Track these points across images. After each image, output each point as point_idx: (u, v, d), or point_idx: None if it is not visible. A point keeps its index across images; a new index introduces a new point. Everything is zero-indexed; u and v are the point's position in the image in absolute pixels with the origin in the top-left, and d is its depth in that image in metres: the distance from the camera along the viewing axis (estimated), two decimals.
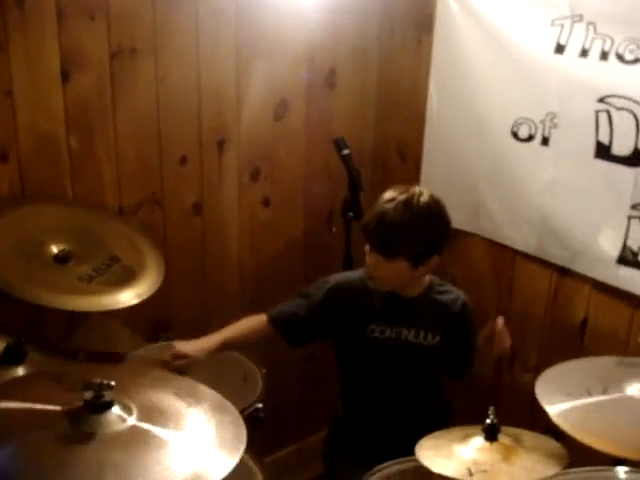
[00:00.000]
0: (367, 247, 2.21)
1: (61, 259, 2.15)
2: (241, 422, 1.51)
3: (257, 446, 2.15)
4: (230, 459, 1.38)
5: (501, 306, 2.81)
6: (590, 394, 1.79)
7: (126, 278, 2.18)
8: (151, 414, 1.44)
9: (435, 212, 2.17)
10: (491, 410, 1.75)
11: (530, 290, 2.72)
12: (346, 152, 2.61)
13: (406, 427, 2.21)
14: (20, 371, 1.89)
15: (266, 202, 2.83)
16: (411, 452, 1.80)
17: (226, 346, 2.28)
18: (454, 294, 2.34)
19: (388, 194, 2.17)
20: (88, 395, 1.36)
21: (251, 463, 2.05)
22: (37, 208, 2.25)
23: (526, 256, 2.69)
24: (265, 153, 2.77)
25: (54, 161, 2.31)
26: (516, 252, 2.73)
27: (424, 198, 2.15)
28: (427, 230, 2.16)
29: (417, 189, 2.18)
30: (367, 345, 2.30)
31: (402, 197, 2.13)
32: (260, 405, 2.21)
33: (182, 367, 2.14)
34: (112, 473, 1.27)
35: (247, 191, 2.77)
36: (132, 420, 1.40)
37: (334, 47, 2.82)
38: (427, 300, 2.31)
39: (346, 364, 2.41)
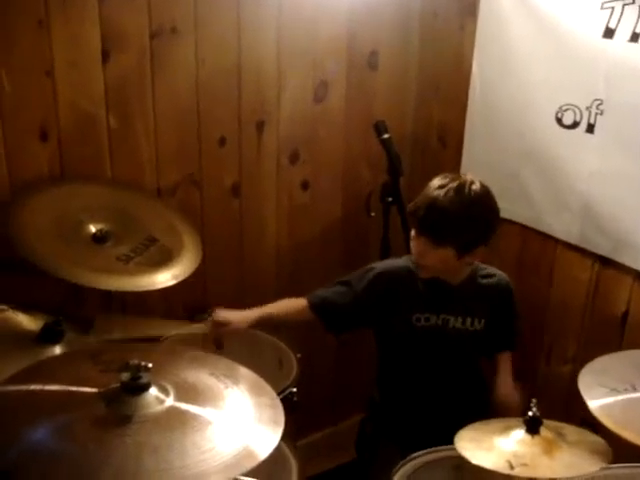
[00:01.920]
0: (413, 232, 2.18)
1: (99, 239, 2.15)
2: (279, 403, 1.50)
3: (290, 430, 2.15)
4: (273, 435, 1.37)
5: (540, 296, 2.76)
6: (635, 389, 1.74)
7: (163, 259, 2.18)
8: (188, 394, 1.43)
9: (486, 202, 2.15)
10: (533, 402, 1.72)
11: (570, 280, 2.68)
12: (386, 136, 2.58)
13: (447, 414, 2.21)
14: (57, 350, 1.89)
15: (305, 185, 2.81)
16: (450, 440, 1.79)
17: (265, 321, 2.28)
18: (497, 277, 2.35)
19: (438, 180, 2.15)
20: (125, 377, 1.35)
21: (284, 447, 2.04)
22: (76, 188, 2.26)
23: (567, 245, 2.65)
24: (304, 135, 2.74)
25: (93, 141, 2.31)
26: (557, 241, 2.68)
27: (476, 187, 2.13)
28: (477, 220, 2.13)
29: (469, 177, 2.16)
30: (412, 333, 2.27)
31: (454, 184, 2.11)
32: (294, 389, 2.21)
33: (222, 335, 2.19)
34: (151, 456, 1.26)
35: (286, 173, 2.75)
36: (170, 401, 1.39)
37: (376, 29, 2.78)
38: (472, 286, 2.29)
39: (389, 352, 2.39)
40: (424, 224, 2.14)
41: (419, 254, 2.19)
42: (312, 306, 2.31)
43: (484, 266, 2.35)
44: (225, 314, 2.23)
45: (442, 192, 2.10)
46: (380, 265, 2.35)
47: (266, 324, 2.31)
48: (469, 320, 2.28)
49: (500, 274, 2.36)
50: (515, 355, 2.49)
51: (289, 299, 2.35)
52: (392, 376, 2.41)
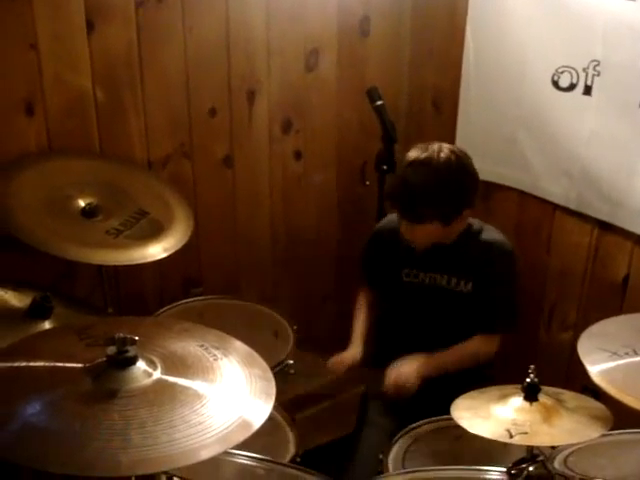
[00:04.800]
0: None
1: (88, 213, 2.13)
2: (270, 375, 1.47)
3: (289, 402, 2.14)
4: (265, 406, 1.35)
5: (540, 262, 2.73)
6: (636, 353, 1.71)
7: (154, 232, 2.16)
8: (177, 367, 1.40)
9: (457, 167, 2.11)
10: (531, 369, 1.69)
11: (570, 245, 2.64)
12: (379, 103, 2.54)
13: (441, 381, 2.17)
14: (46, 326, 1.89)
15: (298, 154, 2.77)
16: (447, 408, 1.76)
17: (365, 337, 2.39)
18: (491, 238, 2.26)
19: (409, 155, 2.13)
20: (111, 350, 1.32)
21: (281, 420, 2.03)
22: (64, 162, 2.23)
23: (566, 210, 2.61)
24: (296, 104, 2.70)
25: (81, 114, 2.28)
26: (556, 206, 2.64)
27: (443, 154, 2.09)
28: (451, 188, 2.10)
29: (436, 146, 2.12)
30: (400, 288, 2.30)
31: (421, 157, 2.09)
32: (291, 361, 2.20)
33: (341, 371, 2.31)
34: (137, 431, 1.23)
35: (278, 143, 2.71)
36: (157, 374, 1.36)
37: None
38: (463, 245, 2.25)
39: (382, 311, 2.42)
40: (401, 207, 2.14)
41: (406, 233, 2.19)
42: (369, 284, 2.44)
43: (481, 226, 2.29)
44: (338, 359, 2.31)
45: (411, 170, 2.10)
46: (377, 225, 2.42)
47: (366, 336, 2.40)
48: (454, 280, 2.25)
49: (495, 236, 2.27)
50: None
51: (356, 312, 2.45)
52: (387, 337, 2.42)
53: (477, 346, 2.27)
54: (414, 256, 2.26)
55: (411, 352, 2.26)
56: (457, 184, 2.11)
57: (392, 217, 2.34)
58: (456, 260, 2.25)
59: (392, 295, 2.36)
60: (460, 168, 2.12)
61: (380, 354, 2.39)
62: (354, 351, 2.32)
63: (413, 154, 2.12)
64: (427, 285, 2.27)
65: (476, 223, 2.28)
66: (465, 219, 2.19)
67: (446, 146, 2.12)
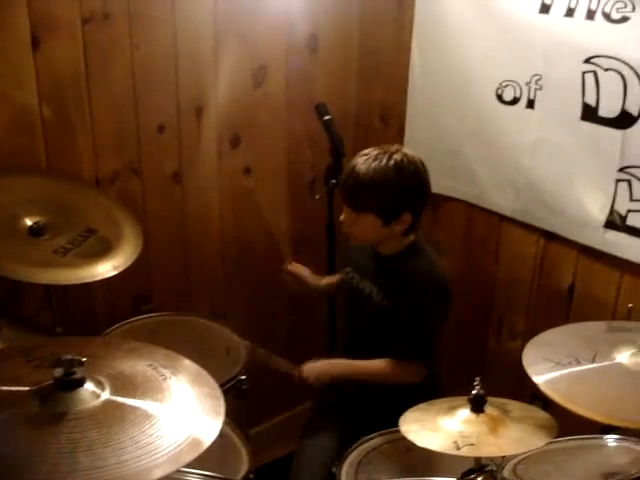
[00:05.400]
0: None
1: (35, 232, 2.09)
2: (219, 393, 1.47)
3: (242, 418, 2.13)
4: (214, 424, 1.36)
5: (488, 272, 2.78)
6: (579, 362, 1.75)
7: (103, 250, 2.13)
8: (126, 387, 1.39)
9: (406, 169, 2.16)
10: (477, 381, 1.71)
11: (516, 255, 2.69)
12: (327, 118, 2.56)
13: (384, 396, 2.23)
14: None
15: (247, 170, 2.77)
16: (394, 421, 1.78)
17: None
18: (417, 267, 2.23)
19: (365, 150, 2.21)
20: (58, 372, 1.31)
21: (234, 436, 2.02)
22: (10, 180, 2.18)
23: (512, 221, 2.66)
24: (245, 120, 2.70)
25: (27, 132, 2.24)
26: (502, 217, 2.69)
27: (397, 156, 2.15)
28: (395, 186, 2.15)
29: (394, 147, 2.19)
30: (340, 286, 2.47)
31: (374, 152, 2.17)
32: (243, 377, 2.19)
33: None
34: (85, 454, 1.22)
35: (228, 159, 2.70)
36: (106, 395, 1.35)
37: (315, 11, 2.73)
38: (396, 262, 2.27)
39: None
40: (344, 192, 2.22)
41: (344, 223, 2.26)
42: None
43: (426, 255, 2.28)
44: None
45: (361, 160, 2.17)
46: None
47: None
48: (380, 293, 2.27)
49: (428, 267, 2.24)
50: (465, 332, 2.49)
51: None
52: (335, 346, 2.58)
53: (384, 368, 2.24)
54: (358, 259, 2.36)
55: (338, 349, 2.45)
56: (401, 184, 2.15)
57: None
58: (385, 274, 2.28)
59: (338, 292, 2.55)
60: (409, 170, 2.16)
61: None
62: (318, 281, 2.56)
63: (367, 151, 2.19)
64: (357, 289, 2.34)
65: (420, 247, 2.28)
66: (404, 225, 2.19)
67: (405, 151, 2.18)
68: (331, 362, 2.35)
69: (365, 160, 2.15)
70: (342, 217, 2.25)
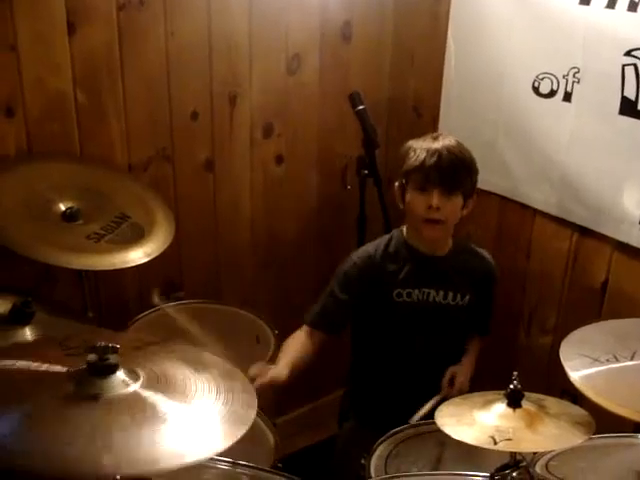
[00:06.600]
0: (413, 192, 2.18)
1: (69, 217, 2.10)
2: (251, 388, 1.48)
3: (269, 407, 2.13)
4: (247, 416, 1.37)
5: (520, 267, 2.75)
6: (617, 359, 1.72)
7: (135, 236, 2.14)
8: (156, 381, 1.39)
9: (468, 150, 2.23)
10: (515, 375, 1.69)
11: (549, 250, 2.66)
12: (361, 107, 2.53)
13: (429, 392, 2.21)
14: (27, 331, 1.87)
15: (279, 159, 2.76)
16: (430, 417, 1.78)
17: (295, 368, 2.14)
18: (486, 260, 2.38)
19: (417, 140, 2.22)
20: (92, 358, 1.32)
21: (262, 424, 2.02)
22: (44, 165, 2.20)
23: (546, 215, 2.63)
24: (278, 108, 2.69)
25: (61, 117, 2.25)
26: (535, 211, 2.67)
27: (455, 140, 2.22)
28: (473, 162, 2.22)
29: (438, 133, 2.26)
30: (393, 310, 2.25)
31: (435, 135, 2.21)
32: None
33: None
34: (120, 433, 1.23)
35: (260, 147, 2.70)
36: (135, 386, 1.36)
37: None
38: (455, 259, 2.29)
39: (369, 332, 2.36)
40: (439, 173, 2.13)
41: (441, 208, 2.15)
42: (313, 325, 2.27)
43: (474, 246, 2.40)
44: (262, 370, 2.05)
45: (439, 144, 2.17)
46: (349, 259, 2.31)
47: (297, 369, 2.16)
48: (451, 294, 2.26)
49: (489, 258, 2.39)
50: (495, 326, 2.48)
51: (291, 340, 2.24)
52: (373, 356, 2.37)
53: (481, 348, 2.43)
54: (404, 275, 2.24)
55: (403, 373, 2.30)
56: (473, 161, 2.22)
57: (364, 248, 2.33)
58: (450, 274, 2.27)
59: (383, 319, 2.29)
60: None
61: (367, 380, 2.41)
62: (280, 371, 2.08)
63: (422, 138, 2.22)
64: (420, 302, 2.25)
65: (459, 239, 2.35)
66: (470, 209, 2.24)
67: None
68: (467, 366, 2.35)
69: (443, 143, 2.16)
70: (435, 202, 2.13)
